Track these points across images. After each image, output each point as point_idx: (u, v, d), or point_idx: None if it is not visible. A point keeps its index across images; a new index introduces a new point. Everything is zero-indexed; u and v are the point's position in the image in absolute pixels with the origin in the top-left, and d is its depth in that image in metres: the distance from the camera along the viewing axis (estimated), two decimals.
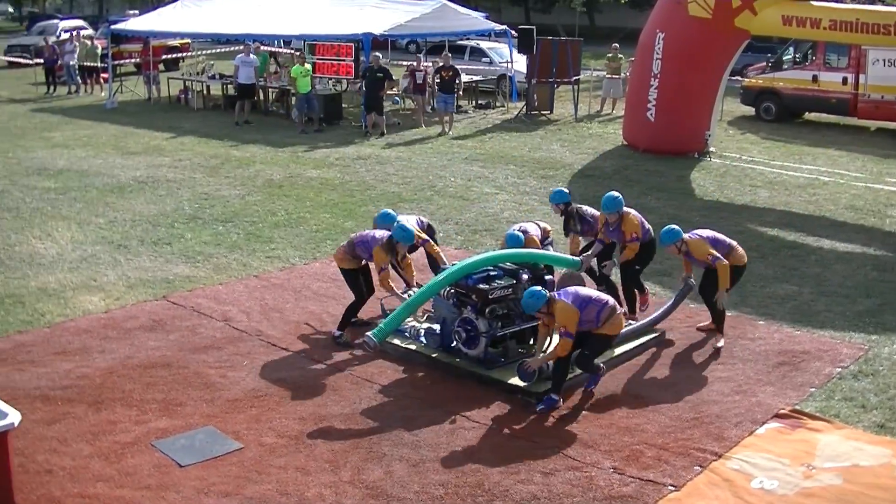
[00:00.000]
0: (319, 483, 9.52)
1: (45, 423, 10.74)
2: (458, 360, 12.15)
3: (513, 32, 33.58)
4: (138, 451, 10.19)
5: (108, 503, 9.16)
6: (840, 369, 12.23)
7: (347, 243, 13.34)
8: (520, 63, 33.72)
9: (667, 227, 13.08)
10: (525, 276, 12.20)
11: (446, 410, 11.03)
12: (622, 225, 13.45)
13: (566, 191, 14.97)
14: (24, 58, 48.22)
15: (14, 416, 8.63)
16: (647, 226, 13.74)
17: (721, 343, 12.88)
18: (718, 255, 12.64)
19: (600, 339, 11.27)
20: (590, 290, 11.70)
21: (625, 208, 13.53)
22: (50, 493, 9.30)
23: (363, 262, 13.28)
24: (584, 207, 14.41)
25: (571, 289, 11.44)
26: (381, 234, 13.16)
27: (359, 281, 13.32)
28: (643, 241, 13.56)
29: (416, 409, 11.08)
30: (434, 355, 12.30)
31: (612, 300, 11.47)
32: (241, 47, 33.15)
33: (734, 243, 13.12)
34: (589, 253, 13.92)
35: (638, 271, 13.94)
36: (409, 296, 12.30)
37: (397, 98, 34.25)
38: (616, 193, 13.64)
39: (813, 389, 11.65)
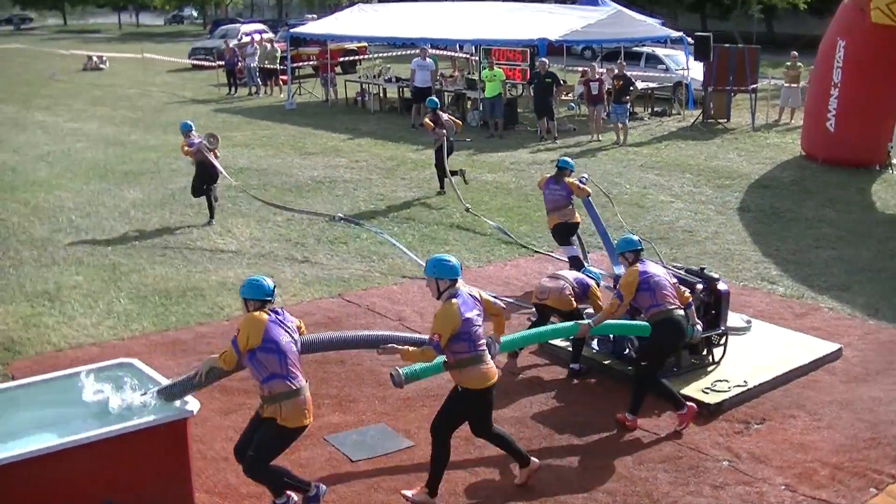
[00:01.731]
0: (488, 485, 9.59)
1: (223, 412, 11.04)
2: (629, 368, 12.07)
3: (689, 39, 33.22)
4: (311, 444, 10.38)
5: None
6: None
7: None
8: (696, 70, 33.31)
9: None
10: (700, 286, 12.05)
11: (617, 418, 10.96)
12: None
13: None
14: (207, 60, 49.69)
15: (193, 405, 8.88)
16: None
17: None
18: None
19: None
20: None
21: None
22: (226, 479, 9.57)
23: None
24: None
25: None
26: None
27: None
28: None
29: (587, 416, 11.05)
30: (607, 362, 12.24)
31: None
32: (417, 51, 33.48)
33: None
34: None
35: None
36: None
37: (572, 104, 34.17)
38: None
39: None
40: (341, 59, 43.84)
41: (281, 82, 41.94)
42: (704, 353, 12.15)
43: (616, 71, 29.59)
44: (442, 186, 22.07)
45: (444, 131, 21.53)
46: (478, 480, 9.68)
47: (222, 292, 15.23)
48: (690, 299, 10.99)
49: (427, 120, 21.95)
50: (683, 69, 34.39)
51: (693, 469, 9.82)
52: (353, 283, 15.92)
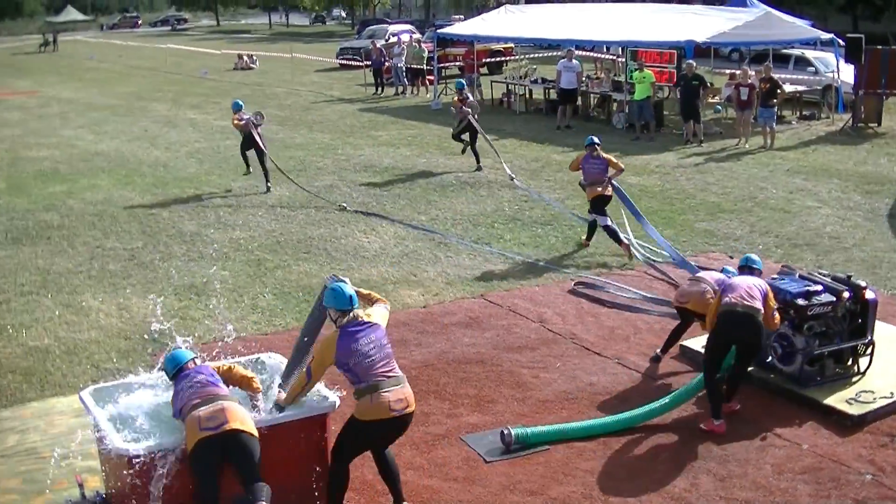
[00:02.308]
0: (623, 489, 9.57)
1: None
2: (772, 375, 11.93)
3: (840, 41, 32.60)
4: (448, 443, 10.51)
5: (416, 491, 9.50)
6: None
7: None
8: (847, 73, 32.65)
9: None
10: (846, 294, 11.85)
11: (757, 427, 10.85)
12: None
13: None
14: (355, 60, 50.18)
15: (334, 399, 9.05)
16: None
17: None
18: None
19: None
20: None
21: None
22: (363, 475, 9.68)
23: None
24: None
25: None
26: None
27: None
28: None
29: (727, 423, 10.92)
30: (749, 369, 12.10)
31: None
32: (563, 53, 33.44)
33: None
34: None
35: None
36: None
37: (719, 107, 33.80)
38: None
39: None
40: (487, 60, 43.93)
41: (427, 82, 42.23)
42: (850, 362, 11.95)
43: (763, 73, 29.18)
44: (478, 162, 25.10)
45: (469, 110, 24.73)
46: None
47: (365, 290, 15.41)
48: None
49: (455, 99, 25.23)
50: (833, 72, 33.76)
51: (834, 481, 9.65)
52: (496, 283, 16.00)
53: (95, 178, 24.79)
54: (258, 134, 23.14)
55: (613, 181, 17.40)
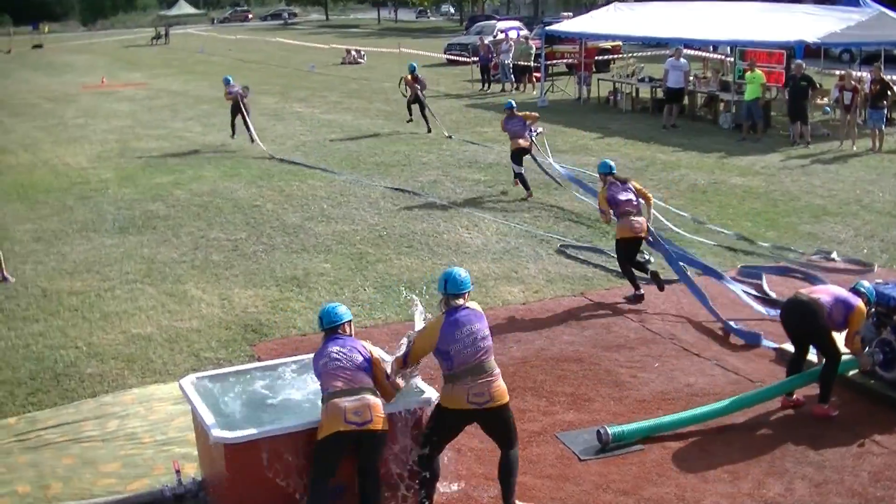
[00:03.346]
0: (717, 492, 9.54)
1: None
2: (872, 381, 11.81)
3: None
4: (543, 440, 10.57)
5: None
6: None
7: None
8: None
9: None
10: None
11: (855, 433, 10.74)
12: None
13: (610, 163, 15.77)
14: (462, 56, 50.40)
15: (430, 394, 9.18)
16: None
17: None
18: None
19: None
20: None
21: None
22: (456, 470, 9.80)
23: None
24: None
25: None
26: None
27: None
28: None
29: (823, 428, 10.85)
30: (849, 374, 11.99)
31: None
32: (671, 51, 33.28)
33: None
34: None
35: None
36: None
37: (828, 108, 33.38)
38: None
39: None
40: (596, 58, 43.83)
41: (534, 79, 42.27)
42: None
43: (873, 75, 28.76)
44: (428, 125, 31.08)
45: (418, 86, 30.92)
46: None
47: None
48: None
49: (409, 76, 31.55)
50: None
51: None
52: (596, 281, 16.02)
53: (202, 170, 25.26)
54: (244, 104, 28.81)
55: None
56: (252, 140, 28.49)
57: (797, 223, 19.50)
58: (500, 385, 8.93)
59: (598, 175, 16.03)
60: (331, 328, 8.99)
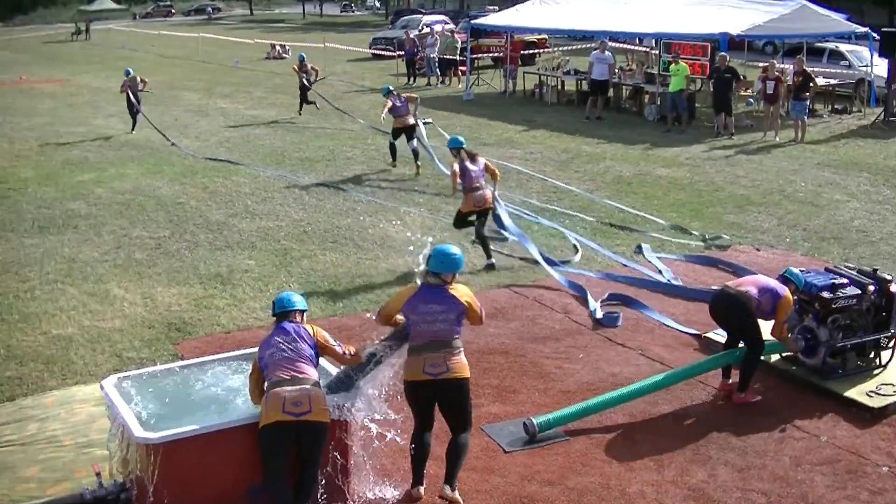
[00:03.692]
0: (642, 480, 9.58)
1: None
2: (794, 367, 11.94)
3: (875, 35, 32.42)
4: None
5: (434, 480, 9.40)
6: None
7: None
8: (881, 67, 32.51)
9: None
10: (871, 288, 11.83)
11: (777, 418, 10.86)
12: None
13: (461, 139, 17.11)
14: (388, 50, 50.33)
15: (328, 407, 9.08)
16: None
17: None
18: None
19: None
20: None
21: None
22: (382, 465, 9.72)
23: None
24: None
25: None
26: None
27: None
28: None
29: (746, 415, 10.96)
30: (771, 361, 12.10)
31: None
32: (597, 44, 33.43)
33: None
34: None
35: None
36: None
37: (751, 100, 33.67)
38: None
39: None
40: (521, 52, 43.92)
41: (460, 73, 42.30)
42: (872, 355, 11.94)
43: (796, 67, 29.07)
44: (300, 110, 33.54)
45: (304, 75, 32.98)
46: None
47: (391, 280, 15.50)
48: None
49: (295, 67, 33.89)
50: (867, 66, 33.63)
51: (851, 473, 9.66)
52: (522, 274, 16.02)
53: (124, 167, 24.89)
54: (134, 95, 30.26)
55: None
56: (132, 131, 30.42)
57: (722, 213, 19.66)
58: (460, 360, 9.06)
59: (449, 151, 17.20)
60: (281, 314, 9.03)
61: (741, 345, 11.45)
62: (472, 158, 16.41)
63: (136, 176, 23.57)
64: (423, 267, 9.42)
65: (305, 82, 32.94)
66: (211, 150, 26.98)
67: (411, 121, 24.06)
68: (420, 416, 9.23)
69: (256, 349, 8.95)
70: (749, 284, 11.41)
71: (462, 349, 9.13)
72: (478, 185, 16.22)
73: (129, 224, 19.06)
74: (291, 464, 8.53)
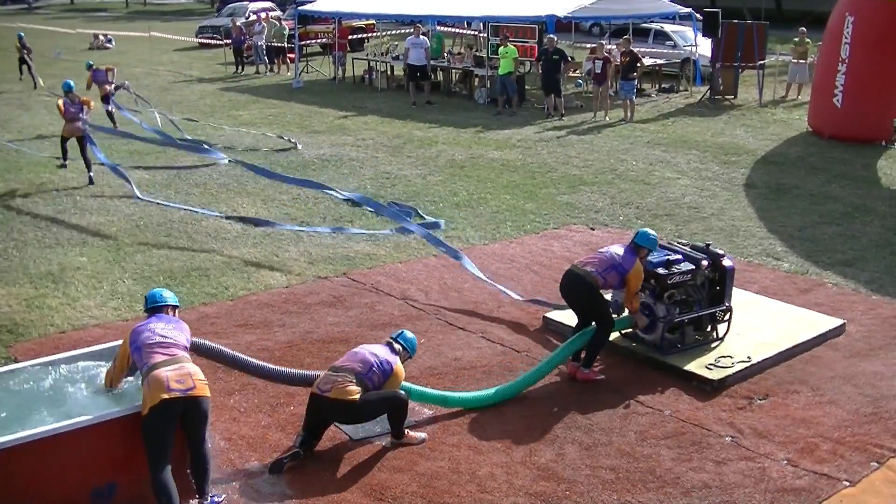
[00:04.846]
0: (491, 462, 9.59)
1: (227, 393, 11.04)
2: (634, 344, 12.09)
3: (698, 15, 33.09)
4: None
5: (284, 471, 9.41)
6: None
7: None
8: (704, 47, 33.25)
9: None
10: (705, 263, 12.01)
11: (621, 395, 10.98)
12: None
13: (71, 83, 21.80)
14: (215, 39, 49.67)
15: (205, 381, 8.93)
16: None
17: None
18: None
19: None
20: None
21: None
22: (230, 459, 9.62)
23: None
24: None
25: None
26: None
27: None
28: None
29: (590, 393, 11.06)
30: (611, 339, 12.21)
31: None
32: (413, 29, 33.49)
33: None
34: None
35: None
36: None
37: (580, 81, 34.08)
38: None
39: None
40: (350, 37, 43.73)
41: (288, 60, 41.95)
42: (709, 329, 12.16)
43: (621, 48, 29.52)
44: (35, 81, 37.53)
45: (25, 50, 38.02)
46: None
47: (227, 272, 15.23)
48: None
49: (17, 43, 38.42)
50: (691, 45, 34.35)
51: (696, 445, 9.82)
52: (359, 261, 15.89)
53: None
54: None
55: None
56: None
57: (555, 194, 19.81)
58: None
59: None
60: (153, 309, 9.12)
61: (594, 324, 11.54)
62: (74, 101, 21.42)
63: None
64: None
65: (27, 58, 38.28)
66: (35, 145, 26.16)
67: (108, 88, 27.05)
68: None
69: (93, 348, 8.77)
70: (594, 263, 11.46)
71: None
72: (73, 118, 21.28)
73: None
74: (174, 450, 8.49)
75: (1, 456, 7.94)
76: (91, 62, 27.48)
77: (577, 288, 11.46)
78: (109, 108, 25.69)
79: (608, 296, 11.87)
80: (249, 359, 10.07)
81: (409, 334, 10.35)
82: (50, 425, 8.32)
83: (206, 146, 23.54)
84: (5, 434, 8.12)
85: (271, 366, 10.17)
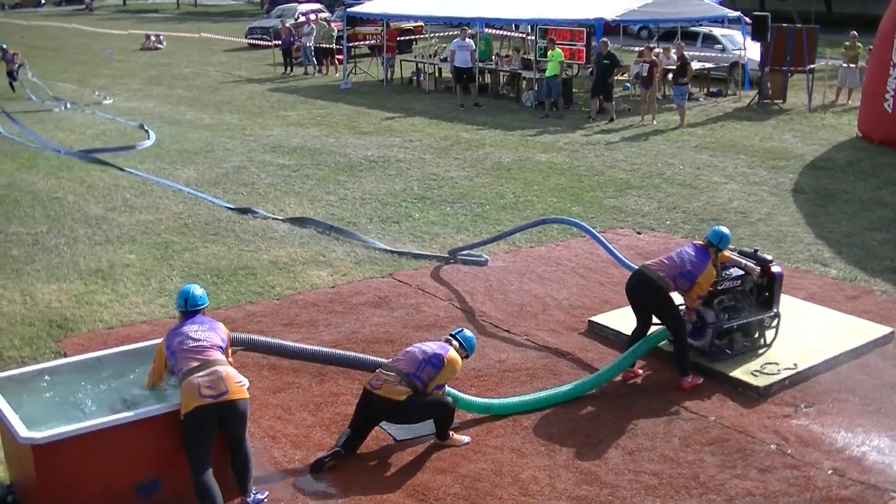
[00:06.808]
0: (534, 465, 9.57)
1: (272, 391, 11.09)
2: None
3: (747, 19, 32.94)
4: None
5: (323, 472, 9.43)
6: None
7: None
8: (753, 50, 33.04)
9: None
10: (758, 269, 11.92)
11: (665, 400, 10.94)
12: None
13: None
14: (264, 40, 49.81)
15: (243, 382, 8.96)
16: None
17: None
18: None
19: None
20: None
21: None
22: (273, 456, 9.65)
23: None
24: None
25: None
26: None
27: None
28: None
29: (635, 398, 11.03)
30: (659, 344, 12.15)
31: None
32: (459, 31, 33.52)
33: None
34: None
35: None
36: None
37: (628, 84, 33.99)
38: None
39: None
40: (399, 39, 43.77)
41: (337, 62, 42.06)
42: (756, 335, 12.07)
43: (674, 52, 29.39)
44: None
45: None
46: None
47: (273, 271, 15.30)
48: None
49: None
50: (740, 49, 34.15)
51: (740, 452, 9.76)
52: (405, 262, 15.92)
53: None
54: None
55: None
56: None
57: (602, 197, 19.76)
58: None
59: None
60: (188, 312, 9.14)
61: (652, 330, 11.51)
62: None
63: (11, 171, 22.92)
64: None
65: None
66: (87, 143, 26.38)
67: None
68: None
69: (140, 345, 8.82)
70: (665, 269, 11.31)
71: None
72: None
73: (4, 220, 18.52)
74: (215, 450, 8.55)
75: (49, 449, 8.02)
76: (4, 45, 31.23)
77: (647, 288, 11.34)
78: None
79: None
80: (304, 346, 10.10)
81: (468, 332, 10.37)
82: (97, 420, 8.41)
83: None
84: (53, 428, 8.20)
85: (327, 349, 10.19)
